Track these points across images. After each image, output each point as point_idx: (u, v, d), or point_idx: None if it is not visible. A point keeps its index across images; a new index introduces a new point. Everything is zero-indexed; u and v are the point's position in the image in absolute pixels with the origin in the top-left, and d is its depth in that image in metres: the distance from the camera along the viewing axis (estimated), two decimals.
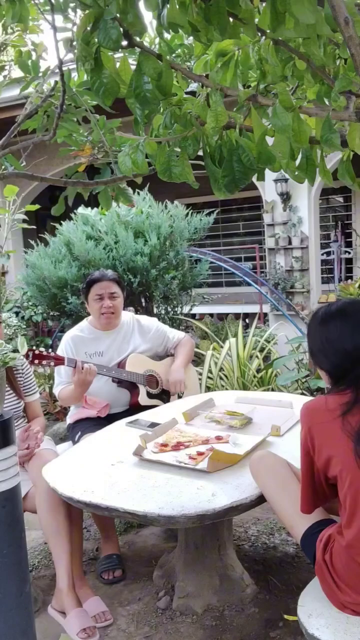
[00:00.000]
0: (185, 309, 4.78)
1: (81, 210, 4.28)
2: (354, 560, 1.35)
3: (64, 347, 2.65)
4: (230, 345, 4.07)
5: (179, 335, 2.94)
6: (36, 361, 2.45)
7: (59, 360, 2.48)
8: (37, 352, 2.44)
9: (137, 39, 1.28)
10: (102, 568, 2.28)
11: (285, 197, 5.54)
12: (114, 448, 2.07)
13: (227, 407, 2.40)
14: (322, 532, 1.46)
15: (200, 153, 1.47)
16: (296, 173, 1.48)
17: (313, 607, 1.41)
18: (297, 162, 1.46)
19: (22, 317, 5.68)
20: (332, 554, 1.40)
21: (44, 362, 2.46)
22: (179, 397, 2.86)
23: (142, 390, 2.69)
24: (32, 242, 4.62)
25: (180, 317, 4.67)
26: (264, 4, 1.28)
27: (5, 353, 1.48)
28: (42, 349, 2.50)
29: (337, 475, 1.37)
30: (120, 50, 1.29)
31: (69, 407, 2.77)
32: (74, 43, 1.45)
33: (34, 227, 3.96)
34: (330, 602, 1.40)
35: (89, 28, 1.22)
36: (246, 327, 5.61)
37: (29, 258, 4.40)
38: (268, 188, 5.63)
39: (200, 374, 3.89)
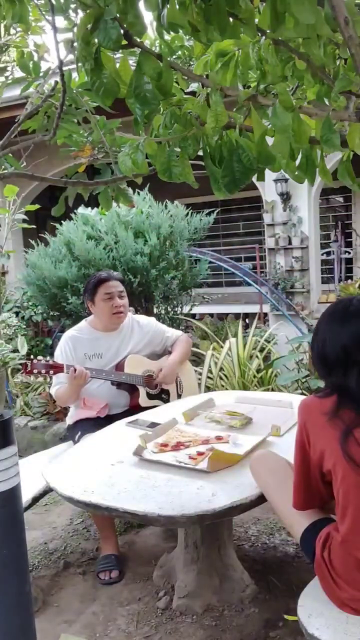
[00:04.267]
0: (185, 309, 4.77)
1: (81, 210, 4.27)
2: (350, 554, 1.36)
3: (63, 347, 2.65)
4: (230, 345, 4.07)
5: (177, 333, 2.94)
6: (35, 370, 2.45)
7: (58, 368, 2.48)
8: (34, 361, 2.45)
9: (137, 39, 1.28)
10: (100, 568, 2.28)
11: (285, 197, 5.54)
12: (114, 448, 2.07)
13: (227, 407, 2.41)
14: (322, 531, 1.46)
15: (200, 153, 1.47)
16: (296, 173, 1.48)
17: (313, 607, 1.41)
18: (297, 162, 1.46)
19: (22, 317, 5.67)
20: (331, 551, 1.41)
21: (43, 371, 2.46)
22: (179, 396, 2.86)
23: (142, 391, 2.68)
24: (32, 242, 4.61)
25: (180, 317, 4.67)
26: (264, 4, 1.28)
27: (5, 353, 1.48)
28: (39, 357, 2.49)
29: (331, 470, 1.38)
30: (120, 50, 1.29)
31: (69, 408, 2.77)
32: (75, 44, 1.45)
33: (34, 227, 3.98)
34: (330, 600, 1.41)
35: (89, 28, 1.22)
36: (246, 327, 5.61)
37: (29, 258, 4.40)
38: (268, 188, 5.63)
39: (200, 374, 3.89)
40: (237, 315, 5.37)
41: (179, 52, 1.76)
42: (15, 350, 4.00)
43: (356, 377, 1.38)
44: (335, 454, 1.36)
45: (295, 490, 1.50)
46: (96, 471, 1.87)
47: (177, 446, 1.96)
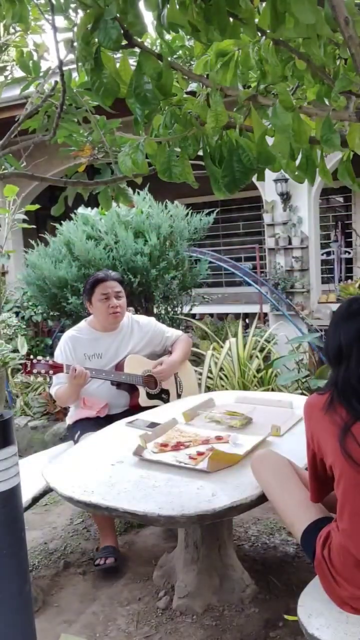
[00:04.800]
0: (185, 309, 4.77)
1: (81, 210, 4.27)
2: (348, 552, 1.36)
3: (63, 347, 2.65)
4: (230, 345, 4.07)
5: (177, 333, 2.94)
6: (35, 370, 2.45)
7: (58, 368, 2.48)
8: (34, 360, 2.45)
9: (137, 39, 1.28)
10: (97, 557, 2.29)
11: (285, 197, 5.53)
12: (114, 448, 2.07)
13: (227, 407, 2.41)
14: (322, 530, 1.47)
15: (200, 153, 1.47)
16: (296, 173, 1.49)
17: (313, 607, 1.41)
18: (297, 162, 1.46)
19: (22, 317, 5.67)
20: (331, 549, 1.41)
21: (43, 371, 2.46)
22: (179, 396, 2.86)
23: (142, 391, 2.68)
24: (32, 242, 4.61)
25: (181, 317, 4.67)
26: (264, 4, 1.28)
27: (5, 353, 1.48)
28: (39, 357, 2.49)
29: (332, 466, 1.41)
30: (120, 50, 1.29)
31: (69, 408, 2.77)
32: (75, 44, 1.45)
33: (34, 227, 3.98)
34: (331, 599, 1.41)
35: (89, 28, 1.22)
36: (246, 327, 5.61)
37: (29, 258, 4.39)
38: (268, 188, 5.62)
39: (200, 374, 3.89)
40: (237, 315, 5.37)
41: (180, 52, 1.76)
42: (15, 350, 4.00)
43: (344, 372, 1.41)
44: (334, 451, 1.37)
45: (310, 485, 1.55)
46: (96, 471, 1.87)
47: (177, 446, 1.96)
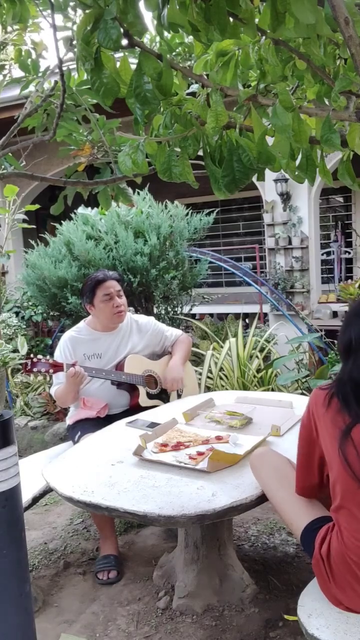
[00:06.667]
0: (185, 309, 4.78)
1: (81, 210, 4.28)
2: (344, 553, 1.37)
3: (62, 348, 2.65)
4: (230, 345, 4.07)
5: (177, 333, 2.94)
6: (35, 369, 2.45)
7: (58, 367, 2.48)
8: (35, 359, 2.45)
9: (137, 39, 1.28)
10: (98, 568, 2.29)
11: (285, 197, 5.53)
12: (114, 448, 2.07)
13: (227, 407, 2.41)
14: (321, 529, 1.47)
15: (200, 153, 1.47)
16: (296, 173, 1.48)
17: (313, 607, 1.41)
18: (297, 162, 1.46)
19: (22, 317, 5.67)
20: (330, 549, 1.41)
21: (43, 370, 2.46)
22: (179, 396, 2.86)
23: (142, 391, 2.68)
24: (32, 242, 4.62)
25: (181, 317, 4.67)
26: (264, 4, 1.28)
27: (5, 353, 1.48)
28: (40, 356, 2.49)
29: (329, 466, 1.42)
30: (120, 50, 1.29)
31: (69, 408, 2.77)
32: (74, 42, 1.45)
33: (34, 226, 3.98)
34: (325, 596, 1.41)
35: (89, 28, 1.22)
36: (246, 327, 5.61)
37: (29, 258, 4.40)
38: (268, 188, 5.62)
39: (200, 374, 3.89)
40: (237, 315, 5.36)
41: (179, 49, 1.76)
42: (15, 350, 4.00)
43: (350, 366, 1.41)
44: (333, 454, 1.37)
45: (297, 474, 1.55)
46: (96, 471, 1.87)
47: (177, 446, 1.96)
